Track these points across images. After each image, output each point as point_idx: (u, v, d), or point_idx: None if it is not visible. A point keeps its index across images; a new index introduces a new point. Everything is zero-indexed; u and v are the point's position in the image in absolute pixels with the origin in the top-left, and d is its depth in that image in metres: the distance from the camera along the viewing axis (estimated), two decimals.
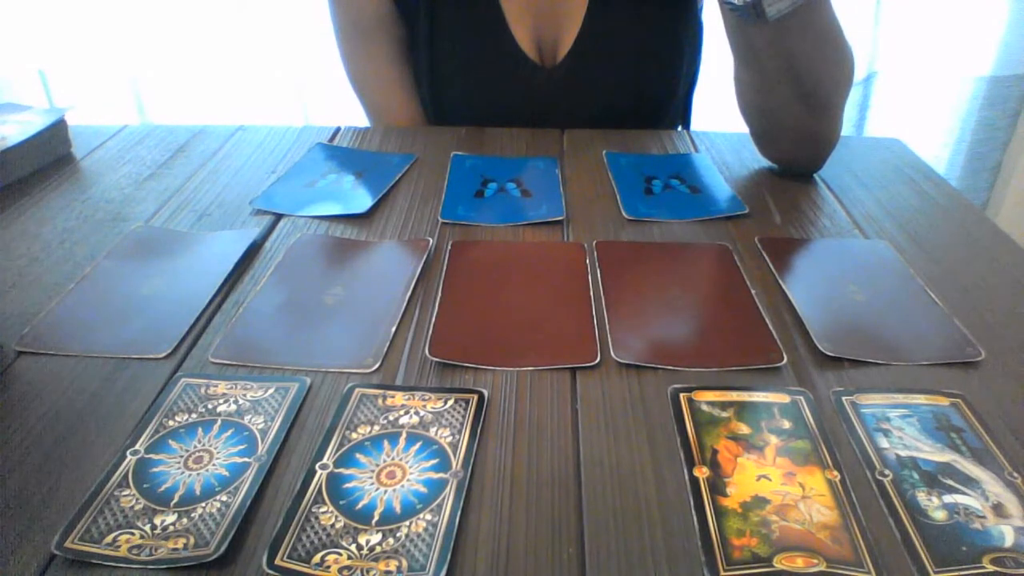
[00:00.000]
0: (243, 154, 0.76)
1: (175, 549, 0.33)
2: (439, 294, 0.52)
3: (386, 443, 0.39)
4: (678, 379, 0.44)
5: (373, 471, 0.38)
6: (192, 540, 0.34)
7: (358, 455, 0.39)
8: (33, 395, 0.43)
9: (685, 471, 0.38)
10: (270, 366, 0.45)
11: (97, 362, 0.46)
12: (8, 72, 1.47)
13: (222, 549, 0.33)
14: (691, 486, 0.37)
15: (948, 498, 0.36)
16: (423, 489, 0.37)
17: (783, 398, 0.43)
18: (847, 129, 0.71)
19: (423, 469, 0.38)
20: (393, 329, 0.48)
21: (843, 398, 0.43)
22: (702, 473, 0.38)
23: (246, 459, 0.38)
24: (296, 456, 0.39)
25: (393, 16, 0.83)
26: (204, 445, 0.39)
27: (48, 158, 0.73)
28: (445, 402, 0.42)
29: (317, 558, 0.33)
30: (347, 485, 0.37)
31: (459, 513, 0.35)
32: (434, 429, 0.40)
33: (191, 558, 0.33)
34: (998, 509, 0.36)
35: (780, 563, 0.33)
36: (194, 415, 0.41)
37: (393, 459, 0.38)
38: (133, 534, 0.34)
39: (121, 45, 1.44)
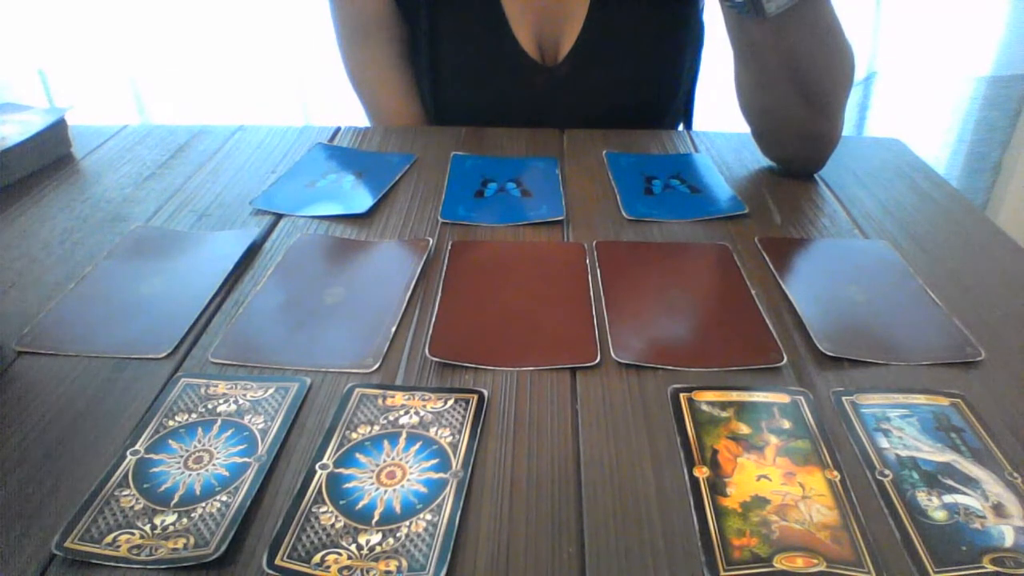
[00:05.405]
0: (243, 154, 0.76)
1: (175, 549, 0.33)
2: (439, 294, 0.52)
3: (386, 443, 0.39)
4: (678, 379, 0.44)
5: (373, 471, 0.38)
6: (192, 540, 0.34)
7: (358, 455, 0.39)
8: (33, 395, 0.43)
9: (685, 471, 0.38)
10: (270, 366, 0.45)
11: (97, 362, 0.46)
12: (8, 72, 1.47)
13: (222, 549, 0.33)
14: (691, 486, 0.37)
15: (948, 498, 0.36)
16: (423, 489, 0.37)
17: (783, 398, 0.43)
18: (847, 129, 0.71)
19: (423, 469, 0.38)
20: (393, 329, 0.48)
21: (843, 398, 0.43)
22: (702, 473, 0.38)
23: (246, 459, 0.38)
24: (296, 456, 0.39)
25: (394, 16, 0.83)
26: (204, 445, 0.39)
27: (48, 158, 0.73)
28: (445, 402, 0.42)
29: (317, 558, 0.33)
30: (347, 485, 0.37)
31: (459, 513, 0.35)
32: (434, 429, 0.40)
33: (191, 558, 0.33)
34: (998, 509, 0.36)
35: (780, 563, 0.33)
36: (194, 415, 0.41)
37: (393, 459, 0.38)
38: (133, 534, 0.34)
39: (121, 45, 1.44)
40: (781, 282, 0.54)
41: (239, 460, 0.38)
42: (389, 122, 0.88)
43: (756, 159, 0.75)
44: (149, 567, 0.33)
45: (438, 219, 0.63)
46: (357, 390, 0.43)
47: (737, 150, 0.77)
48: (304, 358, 0.46)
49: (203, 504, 0.36)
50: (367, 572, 0.32)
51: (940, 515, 0.35)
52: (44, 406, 0.42)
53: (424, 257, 0.57)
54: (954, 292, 0.53)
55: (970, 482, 0.37)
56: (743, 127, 0.74)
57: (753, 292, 0.53)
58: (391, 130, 0.83)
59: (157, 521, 0.35)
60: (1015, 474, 0.38)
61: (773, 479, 0.37)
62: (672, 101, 0.89)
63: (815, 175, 0.72)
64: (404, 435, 0.40)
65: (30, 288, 0.53)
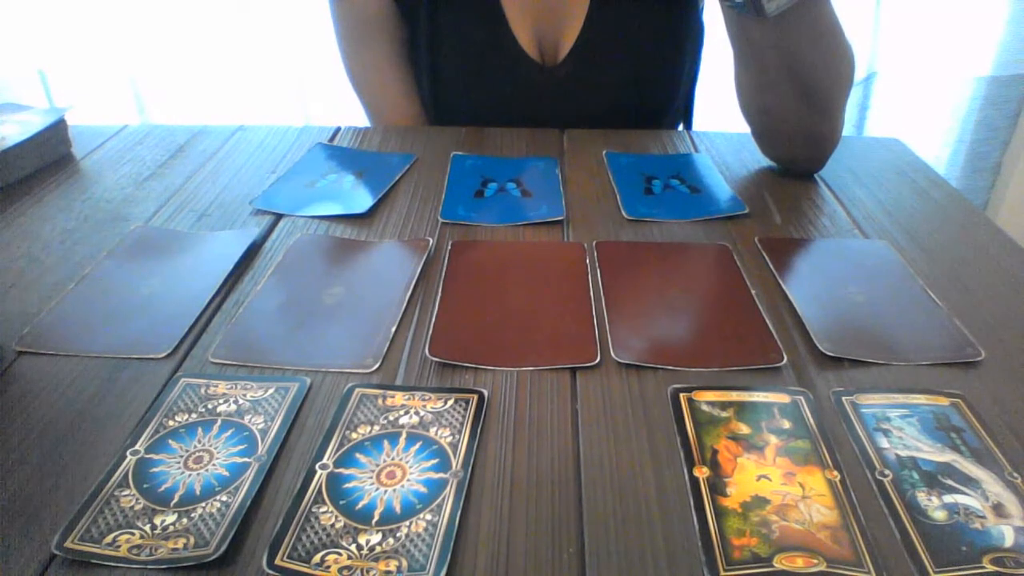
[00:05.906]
0: (243, 154, 0.76)
1: (175, 549, 0.33)
2: (439, 294, 0.52)
3: (386, 443, 0.39)
4: (678, 379, 0.44)
5: (373, 471, 0.38)
6: (192, 540, 0.34)
7: (358, 455, 0.39)
8: (33, 395, 0.43)
9: (685, 471, 0.38)
10: (270, 366, 0.45)
11: (97, 362, 0.46)
12: (8, 72, 1.47)
13: (222, 549, 0.33)
14: (691, 486, 0.37)
15: (948, 498, 0.36)
16: (423, 489, 0.37)
17: (783, 398, 0.43)
18: (847, 129, 0.71)
19: (423, 469, 0.38)
20: (393, 329, 0.48)
21: (843, 398, 0.43)
22: (702, 473, 0.38)
23: (246, 459, 0.38)
24: (296, 456, 0.39)
25: (394, 16, 0.83)
26: (204, 445, 0.39)
27: (48, 158, 0.73)
28: (445, 402, 0.42)
29: (317, 558, 0.33)
30: (347, 485, 0.37)
31: (459, 513, 0.35)
32: (434, 429, 0.40)
33: (191, 558, 0.33)
34: (998, 509, 0.36)
35: (780, 563, 0.33)
36: (194, 415, 0.41)
37: (393, 459, 0.38)
38: (133, 534, 0.34)
39: (121, 45, 1.44)
40: (781, 282, 0.54)
41: (239, 460, 0.38)
42: (389, 122, 0.88)
43: (756, 159, 0.75)
44: (149, 567, 0.33)
45: (438, 219, 0.63)
46: (357, 390, 0.43)
47: (737, 150, 0.77)
48: (304, 358, 0.46)
49: (203, 504, 0.36)
50: (367, 572, 0.32)
51: (940, 515, 0.35)
52: (44, 406, 0.42)
53: (424, 257, 0.57)
54: (954, 292, 0.53)
55: (970, 482, 0.37)
56: (743, 127, 0.74)
57: (753, 292, 0.53)
58: (391, 130, 0.83)
59: (157, 521, 0.35)
60: (1015, 474, 0.38)
61: (773, 479, 0.37)
62: (672, 101, 0.89)
63: (815, 175, 0.72)
64: (404, 435, 0.40)
65: (30, 288, 0.53)
